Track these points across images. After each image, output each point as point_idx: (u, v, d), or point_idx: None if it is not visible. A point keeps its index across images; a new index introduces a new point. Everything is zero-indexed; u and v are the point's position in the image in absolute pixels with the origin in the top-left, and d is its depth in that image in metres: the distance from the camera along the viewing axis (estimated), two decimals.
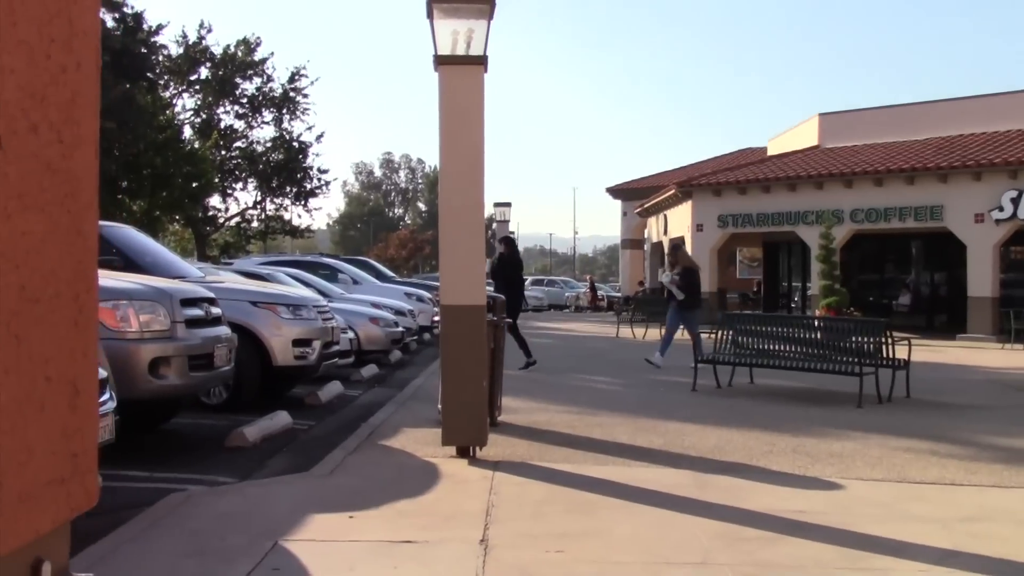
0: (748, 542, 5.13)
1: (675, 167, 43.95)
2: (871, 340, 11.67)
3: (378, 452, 7.46)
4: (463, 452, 7.18)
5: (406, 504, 5.76)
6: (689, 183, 29.76)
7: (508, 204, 26.96)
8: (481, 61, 7.14)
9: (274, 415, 9.12)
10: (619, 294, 44.14)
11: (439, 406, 7.64)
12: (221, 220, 42.73)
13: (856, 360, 11.31)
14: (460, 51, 7.12)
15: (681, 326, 15.25)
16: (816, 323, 12.84)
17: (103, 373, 5.92)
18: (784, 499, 6.23)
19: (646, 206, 35.80)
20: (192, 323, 8.04)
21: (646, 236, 40.31)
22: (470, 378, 7.05)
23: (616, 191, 44.36)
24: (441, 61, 7.14)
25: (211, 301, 8.56)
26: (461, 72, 7.12)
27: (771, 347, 12.37)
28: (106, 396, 5.73)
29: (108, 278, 7.86)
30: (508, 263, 14.73)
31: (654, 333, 22.86)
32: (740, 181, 28.31)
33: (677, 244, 17.07)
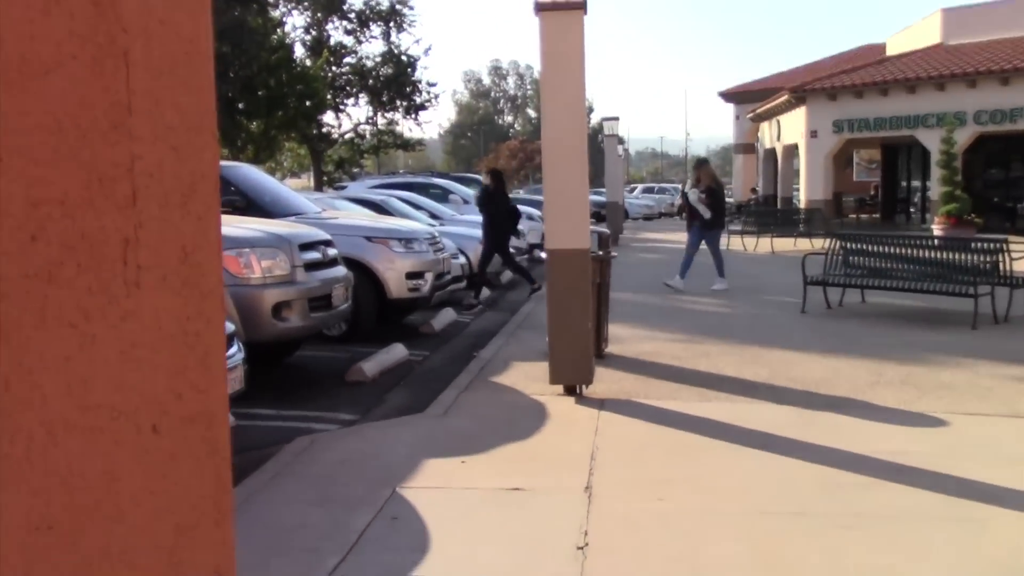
0: (847, 489, 5.26)
1: (790, 68, 42.58)
2: (988, 259, 11.40)
3: (489, 390, 7.78)
4: (570, 390, 7.44)
5: (515, 448, 6.06)
6: (803, 88, 28.90)
7: (616, 118, 26.69)
8: (581, 6, 7.16)
9: (390, 348, 9.55)
10: (731, 200, 43.53)
11: (548, 338, 7.88)
12: (335, 136, 43.46)
13: (971, 279, 11.10)
14: None
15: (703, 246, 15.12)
16: (929, 241, 12.57)
17: (231, 327, 6.35)
18: (887, 439, 6.30)
19: (758, 111, 34.95)
20: (310, 266, 8.45)
21: (759, 141, 39.44)
22: (576, 320, 7.26)
23: (728, 95, 43.34)
24: (541, 7, 7.18)
25: (327, 243, 8.95)
26: (561, 18, 7.16)
27: (883, 266, 12.21)
28: (234, 349, 6.16)
29: (231, 226, 8.29)
30: (492, 197, 14.23)
31: (765, 244, 22.63)
32: (856, 84, 27.35)
33: (702, 160, 16.37)
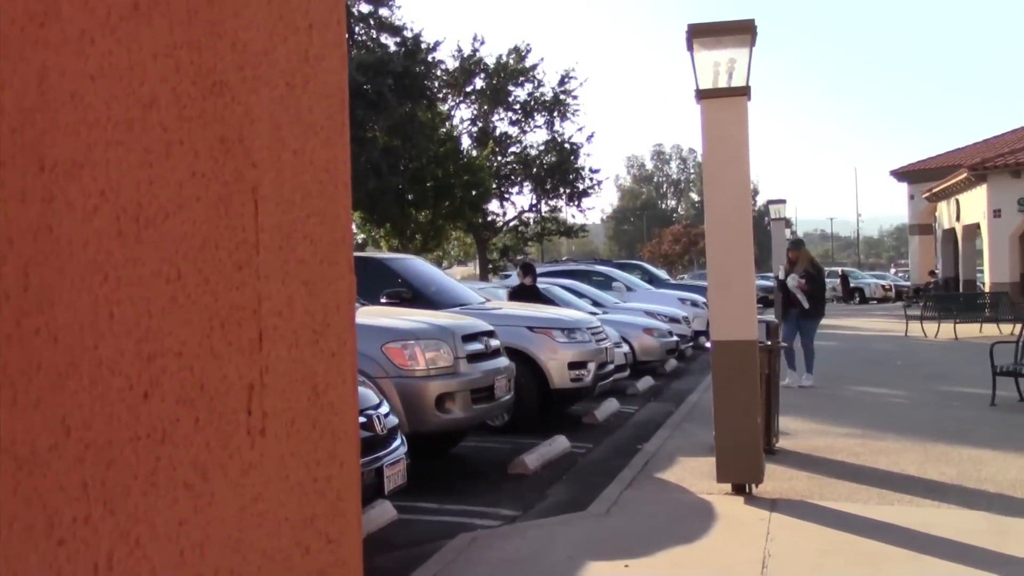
0: None
1: (966, 144, 40.86)
2: None
3: (653, 487, 7.53)
4: (738, 489, 7.12)
5: (681, 551, 5.80)
6: (983, 165, 27.61)
7: (783, 201, 26.15)
8: (744, 92, 7.03)
9: (553, 440, 9.44)
10: (908, 283, 41.79)
11: (714, 433, 7.60)
12: (499, 224, 44.34)
13: None
14: (722, 83, 7.05)
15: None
16: None
17: (394, 420, 6.39)
18: None
19: (934, 191, 33.58)
20: (473, 357, 8.48)
21: (936, 221, 37.82)
22: (744, 414, 6.97)
23: (901, 173, 41.87)
24: (703, 95, 7.09)
25: (490, 334, 8.98)
26: (724, 104, 7.05)
27: None
28: (398, 442, 6.18)
29: (396, 317, 8.45)
30: (524, 291, 13.61)
31: (948, 330, 21.47)
32: None
33: (797, 241, 14.89)
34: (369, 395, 6.23)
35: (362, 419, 5.91)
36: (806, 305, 13.38)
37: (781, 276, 14.13)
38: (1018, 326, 12.03)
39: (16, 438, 0.56)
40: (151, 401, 0.69)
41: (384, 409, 6.22)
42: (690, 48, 7.16)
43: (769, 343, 8.61)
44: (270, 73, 0.84)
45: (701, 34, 7.05)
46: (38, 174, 0.59)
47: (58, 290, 0.60)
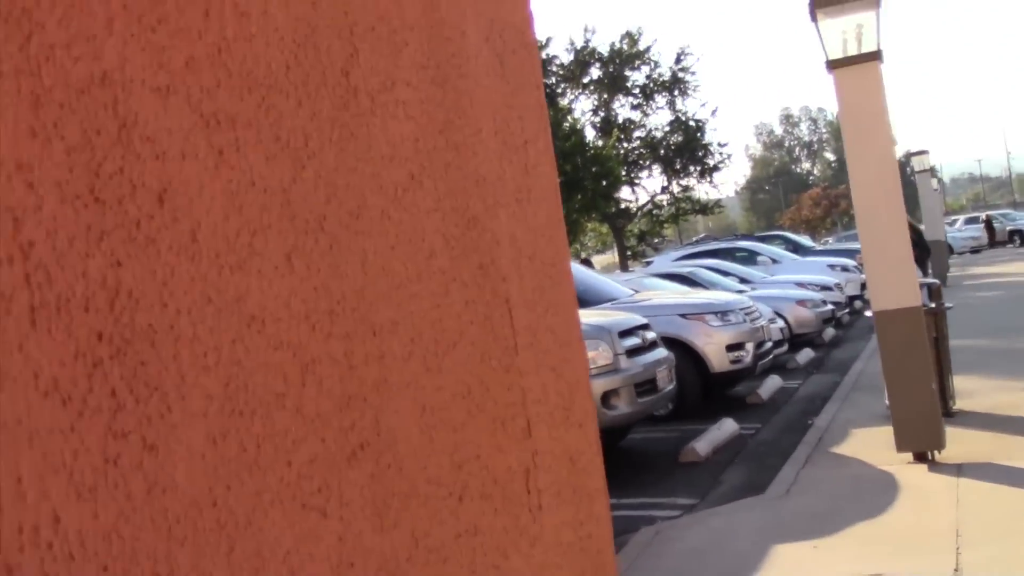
0: None
1: None
2: None
3: (830, 462, 7.46)
4: (920, 457, 6.98)
5: (868, 526, 5.74)
6: None
7: (925, 151, 25.15)
8: (876, 56, 6.89)
9: (721, 423, 9.43)
10: None
11: (886, 400, 7.46)
12: (633, 210, 44.18)
13: None
14: (852, 51, 6.93)
15: None
16: None
17: None
18: None
19: None
20: (632, 352, 8.57)
21: None
22: (916, 382, 6.83)
23: None
24: (833, 65, 6.98)
25: (645, 327, 9.05)
26: (856, 72, 6.92)
27: None
28: None
29: None
30: None
31: None
32: None
33: None
34: None
35: None
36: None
37: None
38: None
39: (385, 553, 0.70)
40: (464, 502, 0.82)
41: None
42: (814, 19, 7.06)
43: (933, 305, 8.39)
44: (504, 195, 0.97)
45: (825, 3, 6.95)
46: (371, 338, 0.73)
47: (394, 430, 0.74)
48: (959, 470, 6.64)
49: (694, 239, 49.48)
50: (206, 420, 0.63)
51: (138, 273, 0.62)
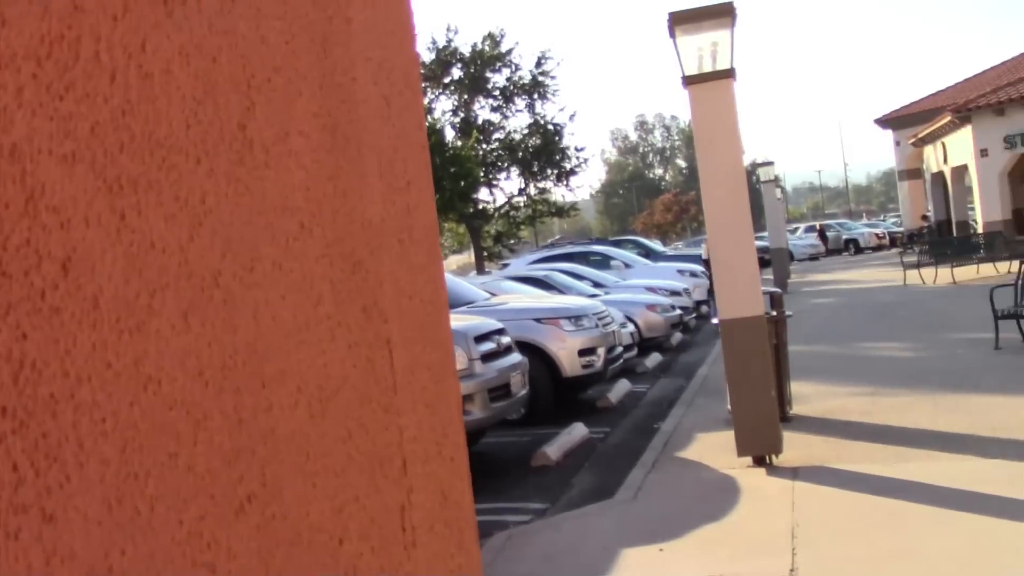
0: None
1: (947, 86, 40.93)
2: None
3: (676, 467, 7.72)
4: (759, 461, 7.30)
5: (711, 529, 5.98)
6: (966, 107, 27.74)
7: (771, 163, 26.29)
8: (729, 74, 7.17)
9: (571, 428, 9.62)
10: (901, 229, 41.97)
11: (728, 405, 7.77)
12: (490, 212, 44.44)
13: None
14: (707, 68, 7.19)
15: None
16: None
17: None
18: None
19: (920, 136, 33.71)
20: (487, 357, 8.65)
21: (924, 165, 37.95)
22: (757, 389, 7.15)
23: (886, 121, 41.94)
24: (689, 81, 7.23)
25: (500, 332, 9.15)
26: (711, 88, 7.19)
27: None
28: None
29: None
30: None
31: (945, 274, 21.64)
32: None
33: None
34: None
35: None
36: None
37: (704, 256, 13.39)
38: (1015, 264, 12.18)
39: None
40: (345, 544, 0.84)
41: None
42: (672, 35, 7.29)
43: (775, 313, 8.79)
44: (387, 236, 0.99)
45: (682, 21, 7.18)
46: (261, 390, 0.74)
47: (280, 480, 0.75)
48: (795, 474, 6.98)
49: (550, 241, 50.18)
50: (103, 486, 0.63)
51: (42, 344, 0.62)
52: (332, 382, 0.86)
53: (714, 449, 8.00)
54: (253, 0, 0.79)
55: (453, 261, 77.31)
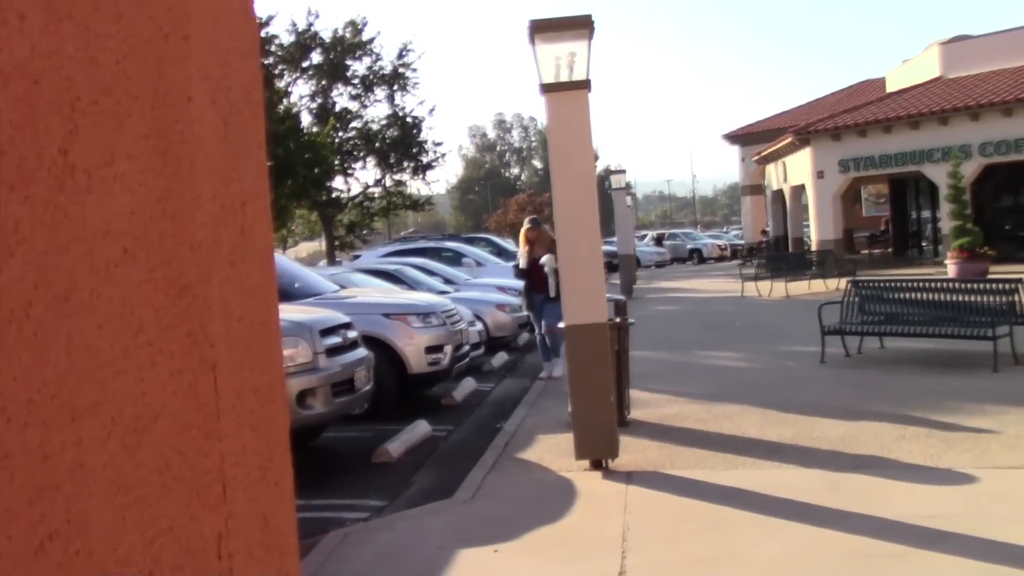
0: (881, 560, 5.27)
1: (792, 107, 42.90)
2: (1004, 299, 11.43)
3: (515, 467, 7.82)
4: (596, 464, 7.47)
5: (546, 531, 6.09)
6: (806, 130, 29.12)
7: (623, 171, 26.93)
8: (585, 85, 7.31)
9: (414, 425, 9.61)
10: (741, 242, 43.65)
11: (569, 408, 7.92)
12: (344, 201, 43.91)
13: (989, 320, 11.12)
14: (564, 77, 7.31)
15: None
16: (945, 284, 12.61)
17: None
18: (917, 501, 6.30)
19: (763, 154, 35.19)
20: (332, 351, 8.54)
21: (766, 182, 39.64)
22: (597, 394, 7.32)
23: (733, 137, 43.64)
24: (546, 89, 7.33)
25: (347, 326, 9.06)
26: (566, 98, 7.31)
27: (899, 311, 12.23)
28: None
29: None
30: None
31: (780, 288, 22.64)
32: (859, 124, 27.55)
33: (535, 219, 12.77)
34: None
35: None
36: (554, 291, 11.14)
37: (523, 264, 12.16)
38: (843, 281, 12.86)
39: None
40: None
41: None
42: (532, 42, 7.38)
43: (619, 320, 9.01)
44: (218, 259, 0.98)
45: (542, 29, 7.28)
46: (70, 424, 0.72)
47: (87, 515, 0.73)
48: (629, 478, 7.18)
49: (403, 234, 49.97)
50: None
51: None
52: (150, 411, 0.84)
53: (554, 451, 8.14)
54: (83, 19, 0.76)
55: (304, 248, 76.05)
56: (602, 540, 5.82)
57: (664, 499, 6.66)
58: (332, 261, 39.68)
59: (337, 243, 43.08)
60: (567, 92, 7.32)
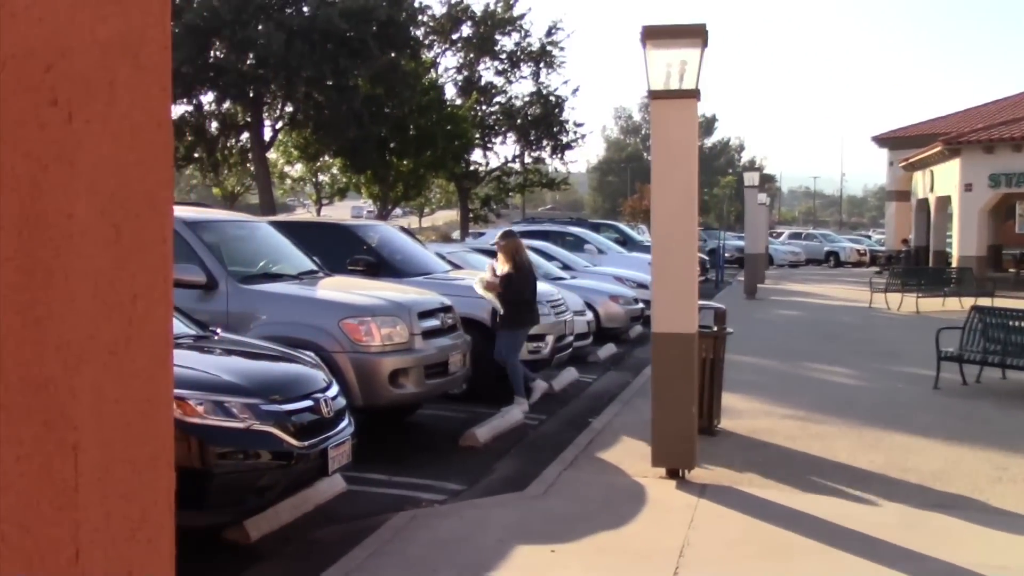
0: None
1: (945, 113, 41.04)
2: None
3: (592, 467, 7.89)
4: (672, 473, 7.47)
5: (607, 537, 6.16)
6: (957, 139, 27.85)
7: (758, 169, 26.46)
8: (694, 94, 7.25)
9: (506, 412, 9.77)
10: (883, 249, 42.18)
11: (651, 419, 7.92)
12: (482, 174, 44.39)
13: None
14: (673, 85, 7.27)
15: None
16: None
17: (342, 402, 6.68)
18: (995, 549, 6.09)
19: (911, 161, 33.83)
20: (429, 333, 8.77)
21: (912, 189, 38.13)
22: (679, 404, 7.31)
23: (882, 139, 42.07)
24: (654, 95, 7.32)
25: (447, 309, 9.27)
26: (673, 106, 7.27)
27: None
28: (344, 423, 6.49)
29: (354, 292, 8.72)
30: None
31: (910, 303, 21.80)
32: (1016, 137, 26.19)
33: (508, 231, 11.68)
34: (317, 378, 6.52)
35: (309, 402, 6.21)
36: (500, 311, 10.37)
37: (489, 277, 10.63)
38: (981, 300, 12.34)
39: None
40: None
41: (332, 392, 6.51)
42: (644, 47, 7.36)
43: (715, 328, 8.94)
44: (93, 351, 1.11)
45: (654, 36, 7.25)
46: None
47: None
48: (702, 491, 7.16)
49: (539, 209, 50.17)
50: None
51: None
52: None
53: (634, 455, 8.17)
54: None
55: (440, 216, 77.25)
56: (659, 552, 5.85)
57: (732, 517, 6.62)
58: (465, 232, 40.25)
59: (471, 216, 43.64)
60: (675, 100, 7.28)
